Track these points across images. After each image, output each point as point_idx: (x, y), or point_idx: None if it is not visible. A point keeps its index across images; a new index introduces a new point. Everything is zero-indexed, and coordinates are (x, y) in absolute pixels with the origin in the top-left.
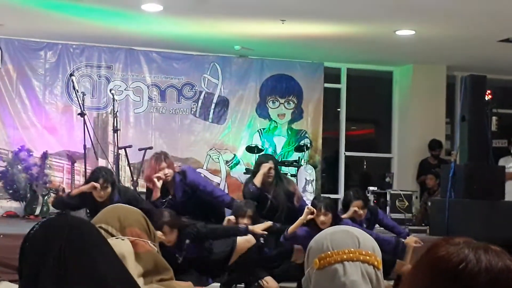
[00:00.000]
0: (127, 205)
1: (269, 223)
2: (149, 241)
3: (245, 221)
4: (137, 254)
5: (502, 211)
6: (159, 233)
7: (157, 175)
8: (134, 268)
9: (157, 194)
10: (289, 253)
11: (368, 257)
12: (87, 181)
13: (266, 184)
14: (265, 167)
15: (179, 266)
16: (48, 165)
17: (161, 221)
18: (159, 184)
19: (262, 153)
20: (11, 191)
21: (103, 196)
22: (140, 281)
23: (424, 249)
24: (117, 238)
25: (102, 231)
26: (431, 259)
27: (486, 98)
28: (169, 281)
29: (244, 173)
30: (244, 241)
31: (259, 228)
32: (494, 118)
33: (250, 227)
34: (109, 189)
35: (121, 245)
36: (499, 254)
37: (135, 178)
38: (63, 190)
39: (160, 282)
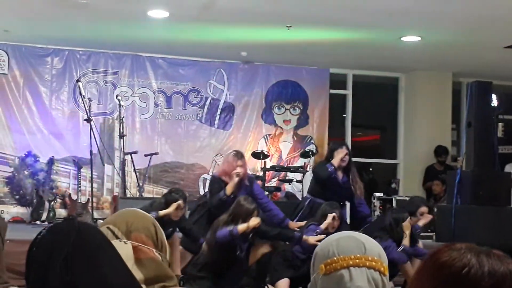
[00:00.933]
0: (140, 211)
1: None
2: (154, 249)
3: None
4: (139, 260)
5: (508, 218)
6: (254, 219)
7: (236, 171)
8: (137, 273)
9: (231, 189)
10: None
11: (374, 263)
12: (166, 202)
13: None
14: (342, 153)
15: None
16: (54, 171)
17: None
18: (236, 180)
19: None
20: (17, 197)
21: (179, 215)
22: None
23: (429, 253)
24: (120, 241)
25: (109, 232)
26: (434, 265)
27: (492, 104)
28: None
29: None
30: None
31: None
32: (500, 124)
33: (305, 236)
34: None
35: (122, 248)
36: (501, 259)
37: (140, 184)
38: (70, 195)
39: None
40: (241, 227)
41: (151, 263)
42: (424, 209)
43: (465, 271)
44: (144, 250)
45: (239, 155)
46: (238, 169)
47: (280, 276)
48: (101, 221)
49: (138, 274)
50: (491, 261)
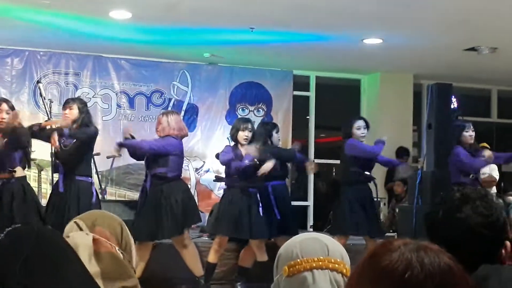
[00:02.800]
0: (109, 212)
1: None
2: (116, 247)
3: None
4: (97, 253)
5: None
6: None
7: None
8: (88, 264)
9: None
10: None
11: (337, 265)
12: None
13: None
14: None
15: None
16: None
17: None
18: None
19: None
20: None
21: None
22: (99, 281)
23: (368, 254)
24: (82, 231)
25: (74, 225)
26: (375, 270)
27: (452, 106)
28: None
29: (214, 180)
30: None
31: None
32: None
33: None
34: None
35: (82, 238)
36: (438, 254)
37: (103, 186)
38: None
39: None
40: None
41: (110, 258)
42: None
43: (407, 275)
44: (105, 244)
45: (174, 112)
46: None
47: None
48: None
49: (94, 267)
50: (430, 259)
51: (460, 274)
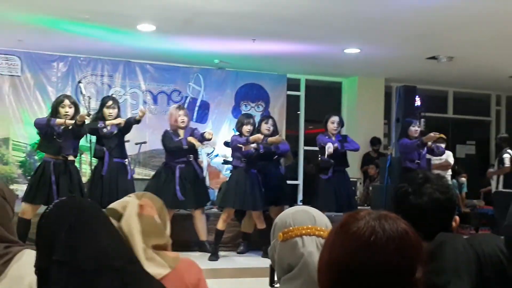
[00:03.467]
0: (156, 197)
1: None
2: (156, 215)
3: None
4: (140, 214)
5: None
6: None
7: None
8: (133, 220)
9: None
10: None
11: (322, 232)
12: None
13: None
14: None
15: None
16: None
17: None
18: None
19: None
20: (28, 177)
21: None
22: (138, 236)
23: (339, 223)
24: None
25: (126, 196)
26: (346, 235)
27: (416, 104)
28: (162, 251)
29: (222, 163)
30: None
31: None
32: (422, 120)
33: None
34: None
35: (131, 201)
36: (395, 221)
37: (132, 167)
38: None
39: (154, 249)
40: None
41: (149, 220)
42: None
43: (372, 238)
44: (147, 209)
45: (180, 107)
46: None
47: None
48: None
49: (137, 224)
50: (390, 225)
51: (414, 237)
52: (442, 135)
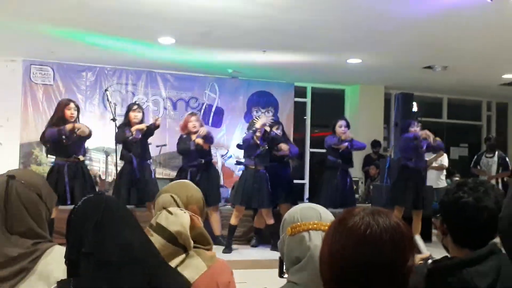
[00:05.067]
0: (194, 186)
1: None
2: (199, 217)
3: None
4: (192, 226)
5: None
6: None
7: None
8: (186, 231)
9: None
10: None
11: (327, 227)
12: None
13: None
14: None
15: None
16: (88, 157)
17: None
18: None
19: None
20: None
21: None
22: (192, 241)
23: (337, 218)
24: (181, 209)
25: (172, 199)
26: (344, 229)
27: (413, 110)
28: (202, 250)
29: (235, 164)
30: None
31: None
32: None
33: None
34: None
35: (184, 217)
36: (387, 215)
37: (153, 168)
38: (100, 176)
39: (195, 249)
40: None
41: (197, 230)
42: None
43: (368, 232)
44: (195, 220)
45: (192, 113)
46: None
47: None
48: None
49: (189, 233)
50: (382, 220)
51: (405, 229)
52: (438, 138)
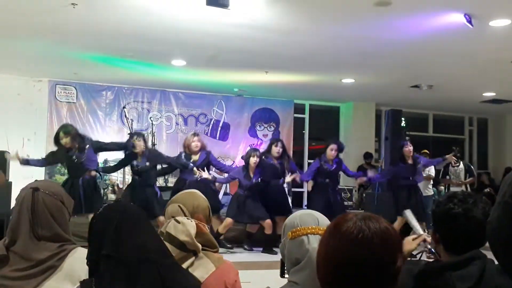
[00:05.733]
0: (201, 194)
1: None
2: (206, 225)
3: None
4: (198, 232)
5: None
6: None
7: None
8: (193, 237)
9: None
10: None
11: (324, 232)
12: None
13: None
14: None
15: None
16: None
17: None
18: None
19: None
20: None
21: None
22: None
23: (332, 223)
24: (188, 218)
25: (180, 209)
26: (338, 233)
27: (402, 125)
28: (210, 252)
29: None
30: None
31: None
32: (407, 138)
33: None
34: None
35: (190, 225)
36: (378, 220)
37: (166, 177)
38: (117, 185)
39: (204, 251)
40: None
41: (204, 236)
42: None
43: (360, 236)
44: (201, 227)
45: (195, 133)
46: (195, 143)
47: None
48: None
49: (196, 240)
50: (373, 224)
51: (394, 232)
52: (426, 151)
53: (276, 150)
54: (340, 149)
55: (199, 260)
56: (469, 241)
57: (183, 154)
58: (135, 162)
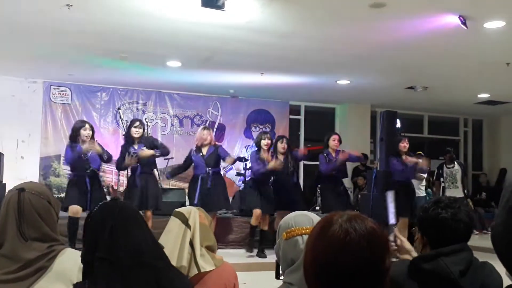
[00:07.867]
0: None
1: None
2: (207, 223)
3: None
4: (200, 223)
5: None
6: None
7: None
8: (198, 227)
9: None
10: None
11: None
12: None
13: None
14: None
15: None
16: (102, 169)
17: None
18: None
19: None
20: None
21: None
22: (198, 237)
23: (317, 226)
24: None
25: (189, 206)
26: (325, 235)
27: (397, 126)
28: (212, 252)
29: (235, 175)
30: None
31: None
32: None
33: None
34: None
35: (192, 209)
36: (363, 220)
37: (161, 179)
38: (112, 186)
39: (206, 249)
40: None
41: (205, 227)
42: None
43: (347, 239)
44: (203, 218)
45: (205, 127)
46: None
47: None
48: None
49: (198, 228)
50: (359, 225)
51: (381, 232)
52: (420, 152)
53: (281, 146)
54: (340, 140)
55: (200, 257)
56: (456, 240)
57: (193, 150)
58: (132, 149)
